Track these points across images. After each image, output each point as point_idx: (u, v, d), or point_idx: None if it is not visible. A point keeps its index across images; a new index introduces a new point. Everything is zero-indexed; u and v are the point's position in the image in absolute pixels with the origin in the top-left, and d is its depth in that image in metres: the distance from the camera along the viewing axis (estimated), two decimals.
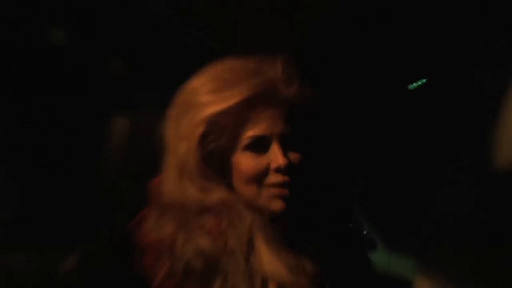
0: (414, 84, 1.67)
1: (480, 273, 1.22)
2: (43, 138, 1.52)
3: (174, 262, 1.04)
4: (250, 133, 1.07)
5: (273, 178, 1.07)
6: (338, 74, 1.28)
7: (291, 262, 1.08)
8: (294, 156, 1.08)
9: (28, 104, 1.47)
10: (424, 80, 1.66)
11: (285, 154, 1.06)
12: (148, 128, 1.18)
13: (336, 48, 1.28)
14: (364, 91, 1.41)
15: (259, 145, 1.08)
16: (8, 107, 1.53)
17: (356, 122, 1.47)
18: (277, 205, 1.07)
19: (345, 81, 1.24)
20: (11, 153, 1.53)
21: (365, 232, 1.40)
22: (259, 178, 1.07)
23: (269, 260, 1.07)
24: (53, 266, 1.12)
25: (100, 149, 1.35)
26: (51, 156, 1.50)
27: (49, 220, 1.33)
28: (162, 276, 1.03)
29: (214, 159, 1.10)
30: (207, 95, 1.08)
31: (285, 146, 1.08)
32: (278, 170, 1.06)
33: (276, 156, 1.06)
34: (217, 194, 1.08)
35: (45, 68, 1.53)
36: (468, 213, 1.40)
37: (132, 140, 1.35)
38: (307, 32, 1.44)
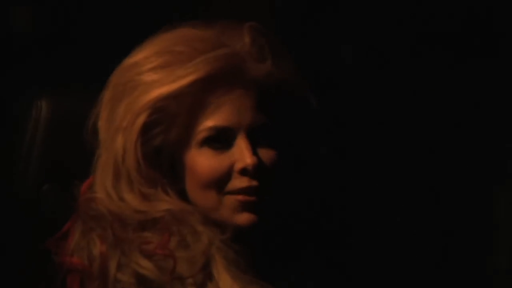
0: None
1: None
2: None
3: None
4: (209, 123, 0.96)
5: (238, 182, 0.96)
6: (327, 46, 1.10)
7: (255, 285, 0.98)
8: (265, 154, 0.96)
9: None
10: None
11: (254, 152, 0.94)
12: (79, 115, 1.03)
13: (325, 11, 1.11)
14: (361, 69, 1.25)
15: (220, 139, 0.96)
16: None
17: (351, 112, 1.33)
18: (242, 218, 0.96)
19: (338, 55, 1.08)
20: None
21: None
22: (220, 182, 0.96)
23: (229, 285, 0.96)
24: None
25: (9, 144, 1.20)
26: None
27: None
28: None
29: (161, 157, 0.98)
30: (151, 72, 0.96)
31: (254, 141, 0.95)
32: (244, 172, 0.94)
33: (242, 154, 0.95)
34: (164, 204, 0.96)
35: None
36: None
37: (56, 131, 1.15)
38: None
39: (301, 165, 1.09)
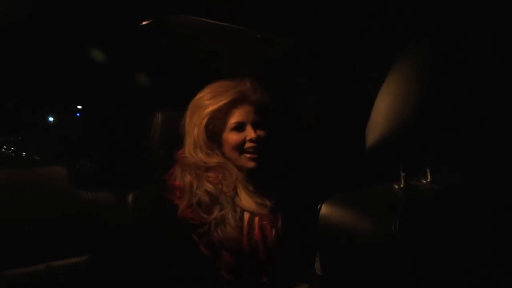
0: None
1: None
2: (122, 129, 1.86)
3: (191, 198, 1.31)
4: (234, 119, 1.36)
5: (248, 145, 1.33)
6: (283, 89, 1.57)
7: (258, 200, 1.33)
8: (259, 133, 1.36)
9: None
10: None
11: (255, 132, 1.34)
12: (174, 120, 1.48)
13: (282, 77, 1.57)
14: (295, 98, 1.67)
15: (239, 127, 1.35)
16: None
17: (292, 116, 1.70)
18: (251, 164, 1.35)
19: (288, 93, 1.54)
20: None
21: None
22: (240, 146, 1.34)
23: (245, 198, 1.33)
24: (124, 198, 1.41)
25: (147, 134, 1.61)
26: (126, 141, 1.83)
27: (126, 177, 1.65)
28: (184, 206, 1.30)
29: (214, 136, 1.38)
30: (208, 100, 1.37)
31: (255, 127, 1.36)
32: (251, 140, 1.33)
33: (250, 132, 1.34)
34: (216, 159, 1.35)
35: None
36: None
37: (164, 127, 1.58)
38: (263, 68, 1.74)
39: (277, 139, 1.41)
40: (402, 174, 0.86)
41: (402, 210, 0.73)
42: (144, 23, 1.53)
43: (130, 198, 1.40)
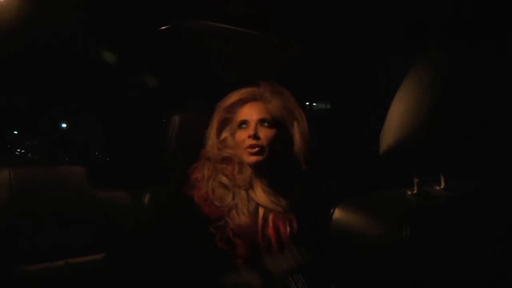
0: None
1: None
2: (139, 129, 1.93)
3: (207, 188, 1.36)
4: (239, 118, 1.42)
5: (248, 142, 1.37)
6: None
7: (273, 197, 1.36)
8: (263, 130, 1.39)
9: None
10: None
11: (255, 129, 1.38)
12: (191, 123, 1.57)
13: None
14: None
15: (243, 124, 1.41)
16: None
17: None
18: (250, 159, 1.37)
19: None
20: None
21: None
22: (243, 143, 1.39)
23: (260, 194, 1.35)
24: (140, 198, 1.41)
25: (165, 135, 1.65)
26: (141, 139, 1.93)
27: (141, 175, 1.70)
28: (200, 195, 1.35)
29: (226, 133, 1.45)
30: (222, 102, 1.47)
31: (260, 125, 1.40)
32: (249, 136, 1.37)
33: (250, 129, 1.38)
34: (229, 152, 1.41)
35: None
36: None
37: (181, 129, 1.64)
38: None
39: (284, 138, 1.43)
40: (416, 180, 0.86)
41: (414, 216, 0.73)
42: (162, 28, 1.55)
43: (146, 197, 1.41)
